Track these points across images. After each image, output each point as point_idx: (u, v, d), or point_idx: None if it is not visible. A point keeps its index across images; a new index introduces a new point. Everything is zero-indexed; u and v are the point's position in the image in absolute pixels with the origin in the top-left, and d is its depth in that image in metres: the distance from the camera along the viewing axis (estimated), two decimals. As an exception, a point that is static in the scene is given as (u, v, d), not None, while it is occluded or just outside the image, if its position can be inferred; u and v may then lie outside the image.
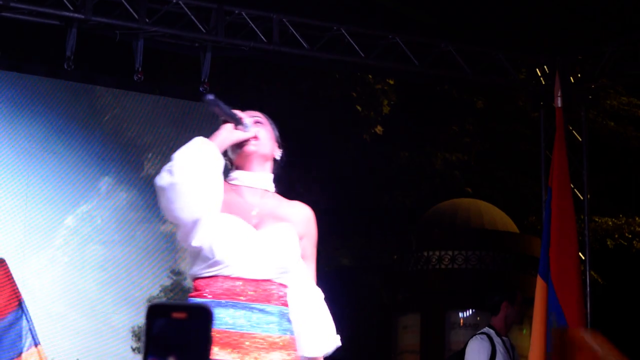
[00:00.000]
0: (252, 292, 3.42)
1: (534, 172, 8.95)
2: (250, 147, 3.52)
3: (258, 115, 3.62)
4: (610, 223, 11.90)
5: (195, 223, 3.34)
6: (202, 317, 1.46)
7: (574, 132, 7.77)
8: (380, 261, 11.01)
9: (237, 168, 3.58)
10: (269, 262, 3.43)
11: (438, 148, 11.75)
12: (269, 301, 3.43)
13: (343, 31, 7.26)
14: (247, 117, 3.56)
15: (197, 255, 3.42)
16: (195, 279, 3.45)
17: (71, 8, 6.59)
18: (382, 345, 9.92)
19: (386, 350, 10.13)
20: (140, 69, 6.79)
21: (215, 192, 3.34)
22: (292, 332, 3.49)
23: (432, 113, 11.15)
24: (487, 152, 12.31)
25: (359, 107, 9.42)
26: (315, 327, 3.61)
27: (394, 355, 10.24)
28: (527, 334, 7.59)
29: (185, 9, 6.86)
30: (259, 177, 3.57)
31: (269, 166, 3.60)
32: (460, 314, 10.27)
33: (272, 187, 3.61)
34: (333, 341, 3.63)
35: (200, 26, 6.92)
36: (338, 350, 3.75)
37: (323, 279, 3.91)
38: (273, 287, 3.46)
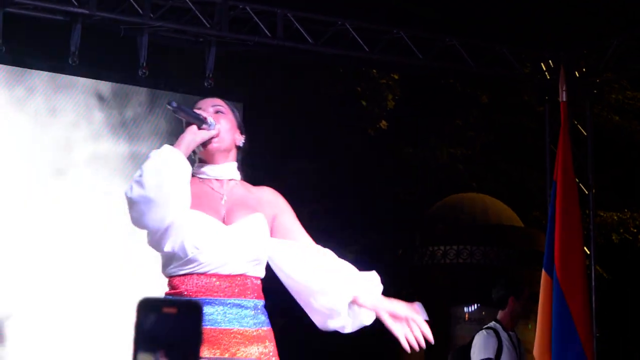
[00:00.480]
0: (227, 288, 3.45)
1: (538, 166, 8.95)
2: (212, 145, 3.57)
3: (219, 104, 3.67)
4: (615, 217, 11.89)
5: (165, 229, 3.38)
6: (192, 312, 1.46)
7: (578, 126, 7.77)
8: (385, 256, 11.01)
9: (202, 162, 3.62)
10: (242, 257, 3.48)
11: (442, 142, 11.75)
12: (244, 295, 3.47)
13: (347, 26, 7.26)
14: (209, 106, 3.62)
15: (171, 255, 3.47)
16: (170, 277, 3.50)
17: (75, 3, 6.59)
18: (386, 340, 9.92)
19: (391, 345, 10.12)
20: (144, 64, 6.80)
21: (184, 199, 3.38)
22: (268, 324, 3.52)
23: (436, 107, 11.15)
24: (491, 146, 12.30)
25: (363, 102, 9.42)
26: (355, 275, 3.61)
27: (399, 351, 10.21)
28: (532, 328, 7.58)
29: (190, 3, 6.86)
30: (223, 168, 3.62)
31: (232, 155, 3.65)
32: (465, 309, 10.28)
33: (237, 175, 3.66)
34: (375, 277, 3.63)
35: (204, 21, 6.92)
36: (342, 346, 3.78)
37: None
38: (247, 280, 3.50)
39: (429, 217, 10.85)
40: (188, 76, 7.35)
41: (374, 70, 8.39)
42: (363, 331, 3.83)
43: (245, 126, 3.74)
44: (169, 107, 3.50)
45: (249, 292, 3.48)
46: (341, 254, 3.76)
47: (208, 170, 3.62)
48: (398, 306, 3.65)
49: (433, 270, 10.29)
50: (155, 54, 6.88)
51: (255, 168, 7.16)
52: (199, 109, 3.61)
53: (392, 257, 11.05)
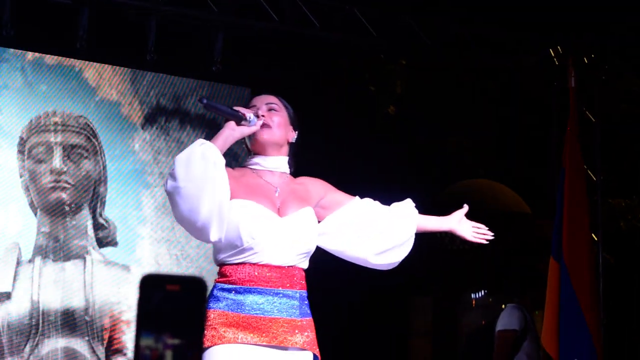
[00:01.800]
0: (277, 279, 3.56)
1: (547, 153, 8.92)
2: (263, 136, 3.67)
3: (272, 102, 3.80)
4: (623, 204, 11.84)
5: (205, 224, 3.42)
6: (195, 289, 1.46)
7: (587, 112, 7.74)
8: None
9: (255, 153, 3.73)
10: (295, 249, 3.61)
11: (450, 130, 11.70)
12: (292, 286, 3.60)
13: (356, 11, 7.24)
14: (263, 104, 3.74)
15: (225, 244, 3.55)
16: (222, 265, 3.58)
17: (83, -12, 6.59)
18: (394, 327, 9.92)
19: (399, 332, 10.12)
20: (153, 49, 6.79)
21: (218, 192, 3.44)
22: (310, 314, 3.66)
23: (444, 94, 11.11)
24: (499, 134, 12.25)
25: (372, 87, 9.39)
26: (395, 213, 4.00)
27: (407, 338, 10.23)
28: (539, 315, 7.58)
29: (198, -12, 6.85)
30: (275, 161, 3.72)
31: (284, 150, 3.77)
32: (472, 295, 10.27)
33: (287, 169, 3.78)
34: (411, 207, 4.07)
35: (212, 5, 6.91)
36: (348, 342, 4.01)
37: (335, 260, 3.98)
38: (296, 272, 3.62)
39: (437, 203, 10.84)
40: (196, 61, 7.34)
41: (382, 56, 8.36)
42: (371, 321, 4.16)
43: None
44: (200, 103, 3.57)
45: (297, 283, 3.61)
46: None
47: (261, 162, 3.72)
48: (452, 219, 4.27)
49: (441, 257, 10.27)
50: (164, 39, 6.86)
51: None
52: (254, 106, 3.73)
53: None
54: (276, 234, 3.55)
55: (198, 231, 3.47)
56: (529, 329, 6.93)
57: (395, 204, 4.06)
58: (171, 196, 3.43)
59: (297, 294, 3.60)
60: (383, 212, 3.98)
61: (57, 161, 6.85)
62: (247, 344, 3.48)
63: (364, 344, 8.89)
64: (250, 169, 3.72)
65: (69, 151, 6.92)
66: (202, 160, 3.40)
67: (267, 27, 7.08)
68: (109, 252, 7.00)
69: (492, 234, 4.30)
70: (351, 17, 7.24)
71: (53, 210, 6.81)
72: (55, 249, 6.77)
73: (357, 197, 3.97)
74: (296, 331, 3.57)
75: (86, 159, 6.96)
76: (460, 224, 4.26)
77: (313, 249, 3.70)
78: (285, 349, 3.56)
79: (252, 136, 3.68)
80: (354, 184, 4.24)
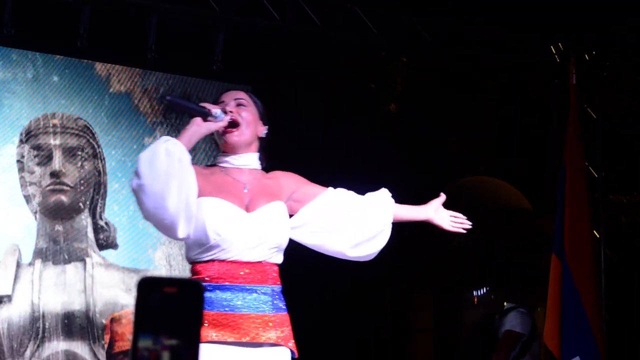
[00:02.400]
0: (248, 274, 3.54)
1: (547, 152, 8.93)
2: (232, 138, 3.66)
3: (241, 97, 3.76)
4: (624, 201, 11.84)
5: (172, 221, 3.41)
6: (193, 292, 1.47)
7: (588, 109, 7.74)
8: (394, 239, 10.97)
9: (224, 152, 3.71)
10: (264, 244, 3.58)
11: (451, 129, 11.71)
12: (264, 282, 3.57)
13: (357, 9, 7.24)
14: (231, 99, 3.71)
15: (194, 242, 3.53)
16: (193, 262, 3.57)
17: (84, -14, 6.59)
18: (396, 324, 9.94)
19: (401, 329, 10.14)
20: (153, 47, 6.79)
21: (185, 189, 3.41)
22: (284, 309, 3.63)
23: (444, 93, 11.11)
24: (499, 133, 12.26)
25: (372, 85, 9.40)
26: (368, 202, 3.95)
27: (409, 334, 10.24)
28: (541, 311, 7.59)
29: (198, -14, 6.85)
30: (245, 158, 3.70)
31: (254, 146, 3.75)
32: (474, 292, 10.28)
33: (258, 165, 3.76)
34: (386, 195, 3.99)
35: (213, 4, 6.91)
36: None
37: (337, 258, 3.98)
38: (267, 267, 3.59)
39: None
40: (197, 59, 7.34)
41: (383, 53, 8.37)
42: (372, 318, 4.10)
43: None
44: (164, 101, 3.55)
45: (268, 279, 3.59)
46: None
47: (230, 160, 3.69)
48: (429, 208, 4.15)
49: (442, 253, 10.28)
50: (164, 37, 6.87)
51: (263, 148, 7.14)
52: (222, 101, 3.70)
53: (400, 240, 11.02)
54: (243, 230, 3.53)
55: (166, 228, 3.47)
56: (536, 336, 6.97)
57: (370, 194, 4.01)
58: (136, 194, 3.40)
59: (270, 290, 3.57)
60: (357, 201, 3.94)
61: (56, 164, 6.85)
62: (218, 342, 3.45)
63: (352, 338, 8.92)
64: (220, 167, 3.70)
65: (68, 153, 6.92)
66: (166, 157, 3.38)
67: (269, 26, 7.08)
68: (110, 254, 6.99)
69: (470, 223, 4.21)
70: (353, 16, 7.24)
71: (53, 213, 6.81)
72: (56, 251, 6.77)
73: (331, 188, 3.93)
74: (269, 327, 3.53)
75: (86, 161, 6.95)
76: (437, 213, 4.17)
77: (284, 243, 3.66)
78: (258, 345, 3.53)
79: (222, 136, 3.67)
80: (353, 182, 4.23)
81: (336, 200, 3.88)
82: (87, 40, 6.63)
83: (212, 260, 3.51)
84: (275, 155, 3.95)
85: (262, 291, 3.54)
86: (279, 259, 3.66)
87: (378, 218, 3.94)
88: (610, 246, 8.16)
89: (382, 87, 9.55)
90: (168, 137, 3.48)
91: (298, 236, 3.82)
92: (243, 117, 3.68)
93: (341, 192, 3.94)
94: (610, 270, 7.62)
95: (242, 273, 3.51)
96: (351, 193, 3.96)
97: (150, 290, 1.43)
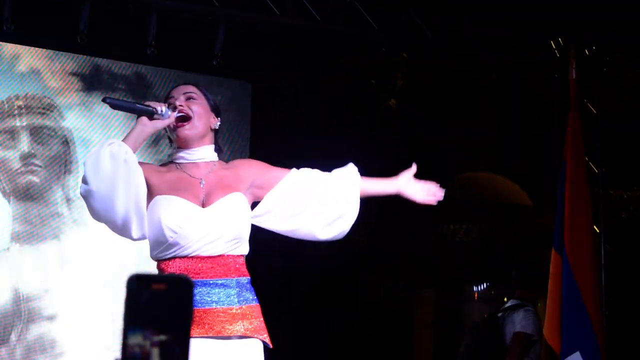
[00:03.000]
0: (209, 269, 3.53)
1: (547, 148, 8.92)
2: (184, 132, 3.64)
3: (190, 91, 3.75)
4: (624, 196, 11.83)
5: (123, 223, 3.44)
6: (182, 288, 1.47)
7: (588, 104, 7.74)
8: (394, 235, 10.98)
9: (179, 147, 3.70)
10: (221, 238, 3.56)
11: (451, 128, 11.69)
12: (227, 275, 3.55)
13: (357, 4, 7.23)
14: (180, 94, 3.69)
15: (152, 240, 3.54)
16: (157, 260, 3.59)
17: (84, -18, 6.58)
18: (397, 320, 9.94)
19: (402, 325, 10.13)
20: (153, 43, 6.78)
21: (133, 190, 3.43)
22: (253, 301, 3.62)
23: (444, 92, 11.10)
24: (499, 131, 12.24)
25: (373, 81, 9.40)
26: (335, 177, 3.90)
27: (410, 330, 10.24)
28: (541, 307, 7.59)
29: (198, -18, 6.85)
30: (199, 152, 3.68)
31: (208, 139, 3.72)
32: (475, 288, 10.27)
33: (214, 157, 3.73)
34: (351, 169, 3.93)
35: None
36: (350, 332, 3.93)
37: (338, 255, 3.97)
38: (229, 260, 3.57)
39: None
40: (197, 55, 7.34)
41: (383, 49, 8.36)
42: (373, 314, 4.03)
43: (253, 105, 3.80)
44: (104, 103, 3.53)
45: (232, 271, 3.56)
46: (350, 234, 3.87)
47: (184, 156, 3.68)
48: (399, 180, 4.06)
49: (442, 249, 10.28)
50: (164, 33, 6.86)
51: (264, 145, 7.16)
52: (172, 97, 3.68)
53: (401, 236, 11.04)
54: (200, 226, 3.51)
55: (119, 230, 3.49)
56: (541, 334, 6.97)
57: (336, 170, 3.95)
58: (85, 200, 3.43)
59: (234, 282, 3.54)
60: (322, 179, 3.87)
61: (24, 145, 6.80)
62: None
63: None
64: (176, 163, 3.69)
65: (35, 133, 6.88)
66: (111, 160, 3.39)
67: (269, 21, 7.07)
68: (84, 231, 6.90)
69: (443, 191, 4.18)
70: (353, 11, 7.24)
71: (25, 195, 6.77)
72: (32, 233, 6.74)
73: (294, 169, 3.87)
74: (236, 319, 3.52)
75: (54, 139, 6.90)
76: (408, 184, 4.08)
77: (244, 234, 3.63)
78: (227, 338, 3.52)
79: (174, 131, 3.65)
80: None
81: (300, 181, 3.82)
82: (87, 37, 6.62)
83: (174, 258, 3.51)
84: (274, 153, 3.94)
85: (227, 284, 3.52)
86: (243, 250, 3.64)
87: (346, 194, 3.86)
88: (611, 241, 8.15)
89: (382, 83, 9.55)
90: (112, 140, 3.48)
91: (267, 224, 3.78)
92: (194, 110, 3.66)
93: (305, 172, 3.87)
94: (610, 266, 7.62)
95: (203, 268, 3.50)
96: (315, 171, 3.89)
97: (140, 287, 1.44)
